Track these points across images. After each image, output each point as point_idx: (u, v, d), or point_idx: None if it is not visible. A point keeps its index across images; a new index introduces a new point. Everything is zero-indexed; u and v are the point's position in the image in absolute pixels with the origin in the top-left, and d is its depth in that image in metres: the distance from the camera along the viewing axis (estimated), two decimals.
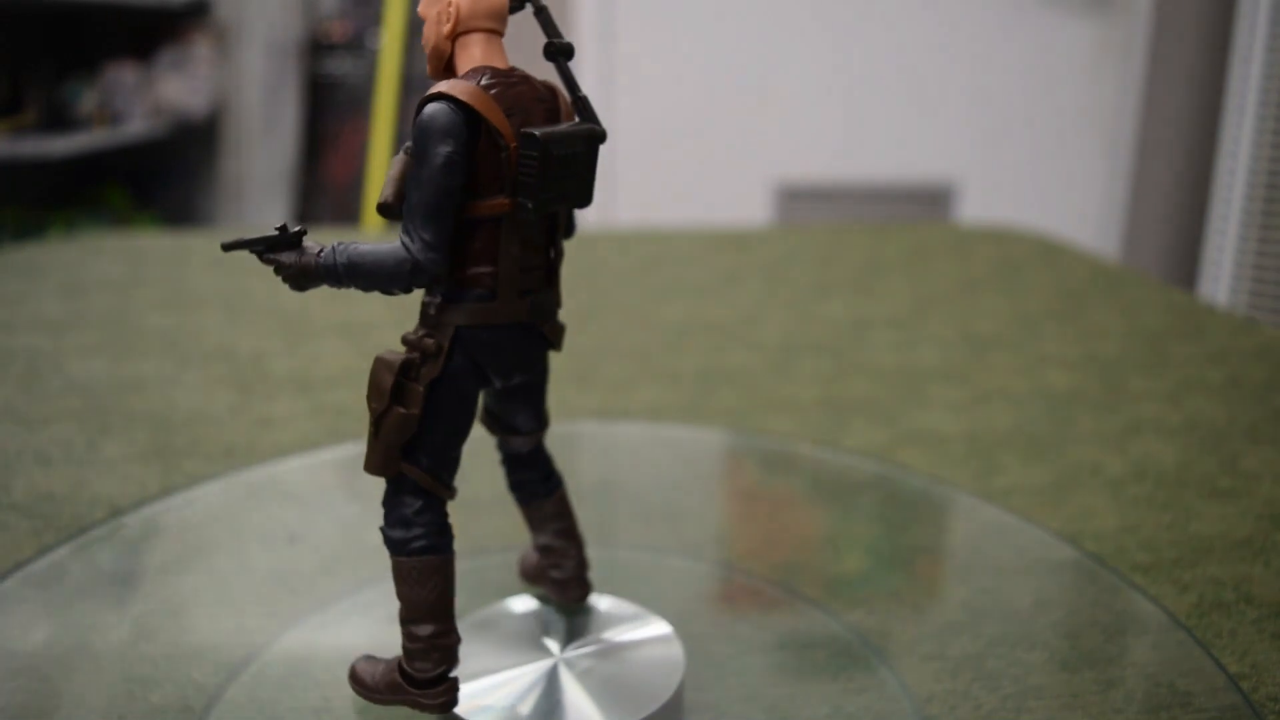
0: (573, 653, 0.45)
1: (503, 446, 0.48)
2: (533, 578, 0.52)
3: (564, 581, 0.49)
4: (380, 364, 0.40)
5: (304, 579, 0.56)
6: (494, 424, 0.47)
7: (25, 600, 0.53)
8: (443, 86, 0.38)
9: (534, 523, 0.49)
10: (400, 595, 0.42)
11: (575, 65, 0.40)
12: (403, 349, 0.41)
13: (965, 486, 0.67)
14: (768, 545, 0.60)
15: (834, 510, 0.66)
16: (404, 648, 0.42)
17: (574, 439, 0.75)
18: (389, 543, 0.42)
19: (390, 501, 0.42)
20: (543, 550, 0.49)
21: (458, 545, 0.62)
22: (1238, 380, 0.87)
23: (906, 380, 0.86)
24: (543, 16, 0.41)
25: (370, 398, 0.40)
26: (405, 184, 0.39)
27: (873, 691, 0.47)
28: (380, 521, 0.42)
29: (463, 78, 0.39)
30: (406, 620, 0.42)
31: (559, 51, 0.41)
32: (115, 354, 0.89)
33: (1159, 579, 0.56)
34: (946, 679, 0.48)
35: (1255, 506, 0.65)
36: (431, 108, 0.38)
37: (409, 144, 0.39)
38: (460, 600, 0.56)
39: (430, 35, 0.41)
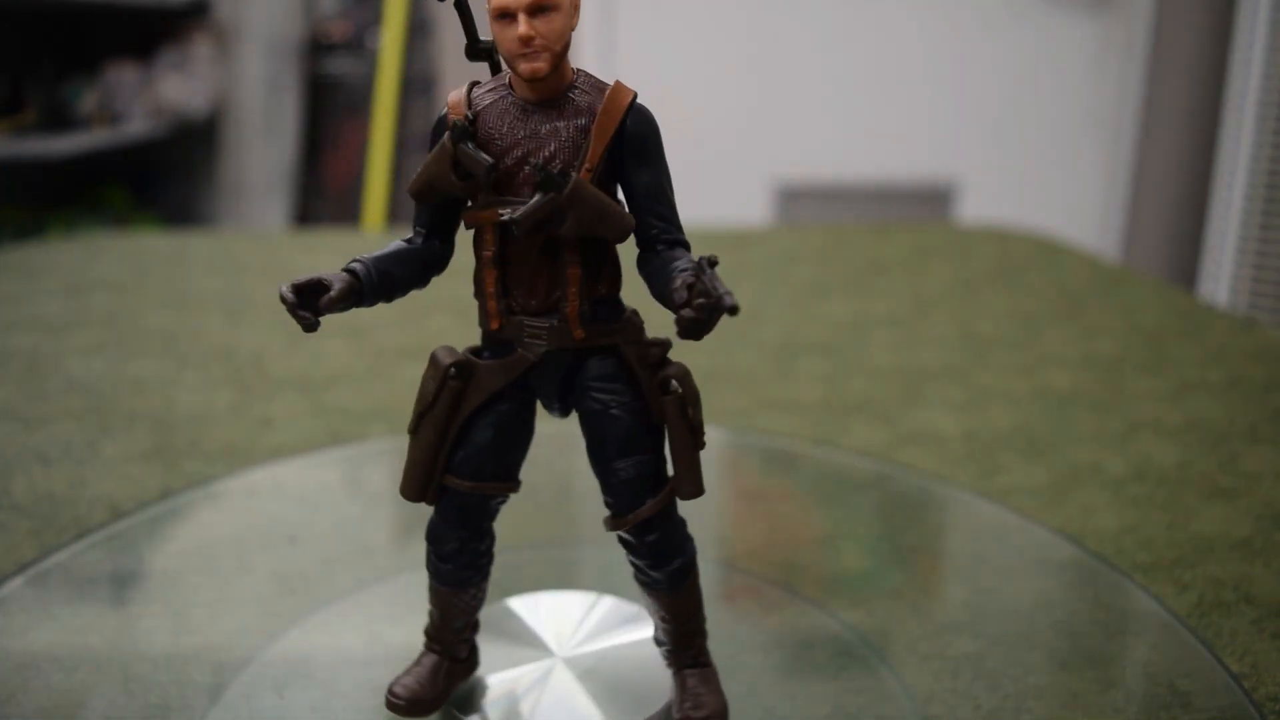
0: (573, 653, 0.45)
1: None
2: None
3: None
4: (689, 383, 0.39)
5: (304, 579, 0.56)
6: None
7: (25, 600, 0.53)
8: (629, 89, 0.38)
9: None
10: (694, 608, 0.41)
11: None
12: (657, 367, 0.40)
13: (965, 486, 0.67)
14: (768, 545, 0.60)
15: (834, 510, 0.66)
16: (701, 646, 0.42)
17: (574, 439, 0.75)
18: (677, 575, 0.40)
19: (669, 527, 0.40)
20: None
21: None
22: (1238, 380, 0.87)
23: (906, 380, 0.86)
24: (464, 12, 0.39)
25: (697, 409, 0.39)
26: (663, 188, 0.38)
27: (873, 691, 0.47)
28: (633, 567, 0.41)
29: (587, 74, 0.39)
30: (700, 621, 0.42)
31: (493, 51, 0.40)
32: (115, 354, 0.89)
33: (1159, 579, 0.56)
34: (946, 679, 0.48)
35: (1255, 506, 0.65)
36: (648, 109, 0.38)
37: (560, 166, 0.37)
38: None
39: (567, 29, 0.36)
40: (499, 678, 0.44)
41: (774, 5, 2.43)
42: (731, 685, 0.47)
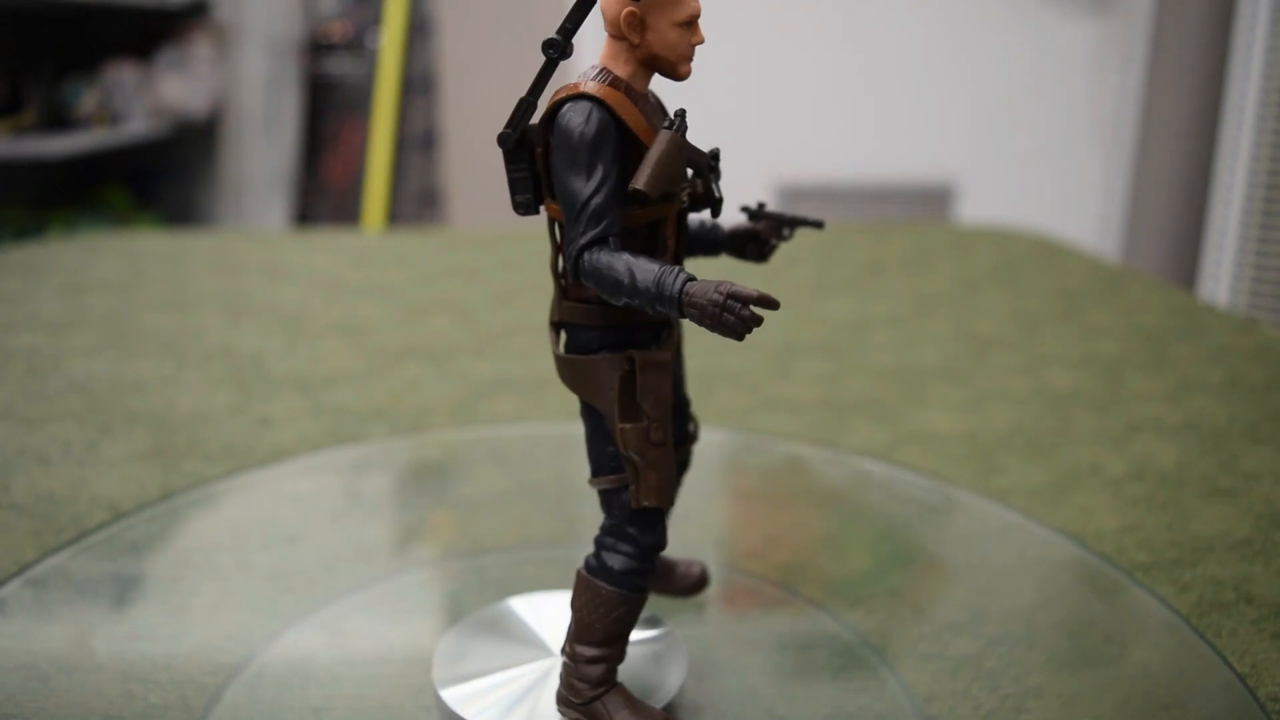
0: None
1: None
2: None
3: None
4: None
5: (304, 579, 0.56)
6: None
7: (26, 601, 0.53)
8: None
9: None
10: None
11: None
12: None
13: (965, 486, 0.67)
14: (768, 545, 0.60)
15: (834, 510, 0.66)
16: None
17: (574, 440, 0.75)
18: None
19: None
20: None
21: (459, 545, 0.62)
22: (1238, 380, 0.87)
23: (906, 380, 0.86)
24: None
25: None
26: None
27: (873, 691, 0.47)
28: None
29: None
30: None
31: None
32: (115, 354, 0.89)
33: (1159, 579, 0.56)
34: (946, 679, 0.48)
35: (1255, 506, 0.65)
36: None
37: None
38: (460, 600, 0.56)
39: None
40: (499, 678, 0.44)
41: (774, 5, 2.43)
42: (731, 685, 0.47)
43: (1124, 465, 0.70)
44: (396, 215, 2.66)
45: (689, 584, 0.51)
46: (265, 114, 2.57)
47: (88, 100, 2.36)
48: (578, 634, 0.41)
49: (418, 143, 2.67)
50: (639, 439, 0.39)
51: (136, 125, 2.39)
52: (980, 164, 2.49)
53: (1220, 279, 1.99)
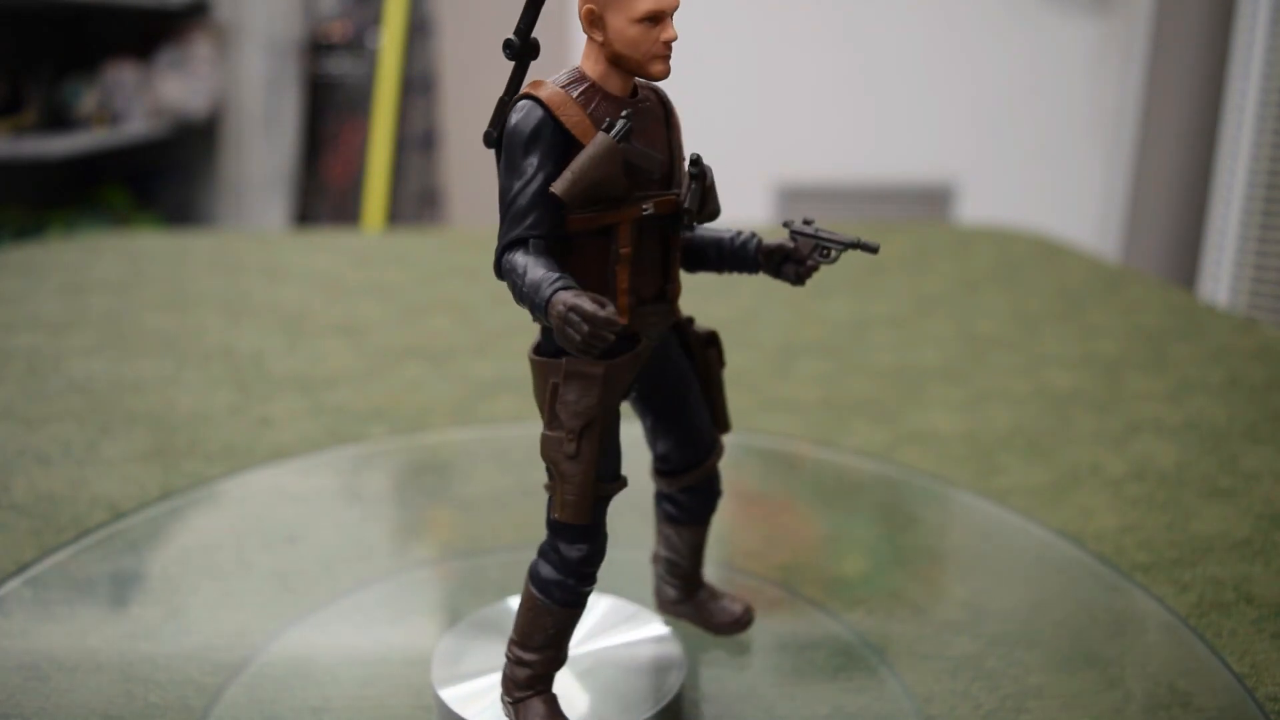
0: (572, 652, 0.45)
1: None
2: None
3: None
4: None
5: (304, 579, 0.56)
6: None
7: (25, 601, 0.53)
8: None
9: None
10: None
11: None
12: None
13: (965, 486, 0.67)
14: (768, 545, 0.60)
15: (834, 510, 0.66)
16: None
17: None
18: (717, 504, 0.48)
19: None
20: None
21: (459, 545, 0.62)
22: (1238, 380, 0.87)
23: (906, 380, 0.86)
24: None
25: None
26: None
27: (873, 691, 0.47)
28: None
29: None
30: None
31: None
32: (115, 354, 0.89)
33: (1159, 579, 0.56)
34: (946, 679, 0.48)
35: (1255, 506, 0.65)
36: None
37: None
38: (460, 600, 0.56)
39: None
40: (499, 677, 0.44)
41: (774, 5, 2.43)
42: (731, 685, 0.47)
43: (1124, 465, 0.70)
44: (396, 215, 2.66)
45: (725, 621, 0.48)
46: (265, 114, 2.56)
47: (88, 100, 2.36)
48: (515, 634, 0.41)
49: (418, 143, 2.67)
50: (553, 448, 0.38)
51: (136, 125, 2.39)
52: (980, 164, 2.49)
53: (1220, 279, 1.99)
